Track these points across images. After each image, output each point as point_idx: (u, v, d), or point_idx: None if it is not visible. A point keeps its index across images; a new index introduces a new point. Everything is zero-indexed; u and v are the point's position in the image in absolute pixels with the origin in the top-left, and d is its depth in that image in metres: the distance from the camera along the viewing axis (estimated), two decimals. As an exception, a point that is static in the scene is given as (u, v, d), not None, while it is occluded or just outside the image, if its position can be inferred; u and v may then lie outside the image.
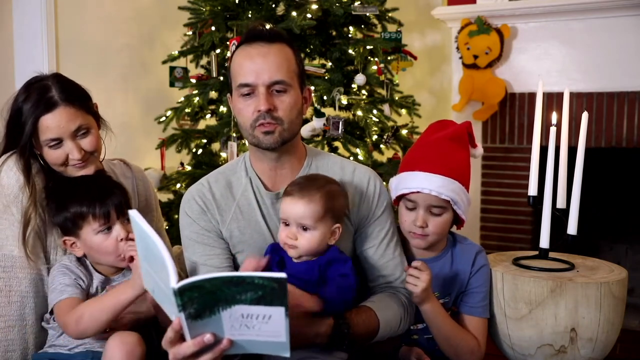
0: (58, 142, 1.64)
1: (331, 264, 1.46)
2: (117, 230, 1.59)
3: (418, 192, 1.62)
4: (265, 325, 1.14)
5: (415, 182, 1.63)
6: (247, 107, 1.53)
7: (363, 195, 1.63)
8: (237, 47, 1.59)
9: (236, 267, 1.61)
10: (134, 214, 1.22)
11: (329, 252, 1.48)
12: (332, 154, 1.75)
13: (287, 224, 1.48)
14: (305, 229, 1.45)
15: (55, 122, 1.62)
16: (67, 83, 1.68)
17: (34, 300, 1.65)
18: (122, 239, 1.59)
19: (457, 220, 1.69)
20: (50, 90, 1.63)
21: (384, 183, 1.80)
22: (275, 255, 1.50)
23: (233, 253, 1.61)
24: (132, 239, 1.54)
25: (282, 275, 1.08)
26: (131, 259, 1.54)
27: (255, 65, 1.52)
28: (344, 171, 1.65)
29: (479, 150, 1.82)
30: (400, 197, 1.68)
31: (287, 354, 1.19)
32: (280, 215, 1.50)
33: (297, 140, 1.63)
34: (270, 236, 1.59)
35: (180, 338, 1.21)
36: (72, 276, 1.59)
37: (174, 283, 1.11)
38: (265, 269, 1.47)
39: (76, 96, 1.67)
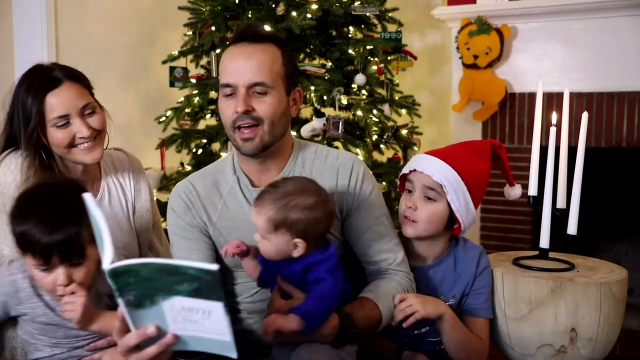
0: (65, 121, 1.64)
1: (310, 269, 1.42)
2: (58, 274, 1.41)
3: (415, 170, 1.65)
4: (207, 321, 1.12)
5: (415, 163, 1.67)
6: (228, 107, 1.53)
7: (347, 182, 1.62)
8: (221, 47, 1.59)
9: (224, 267, 1.59)
10: (87, 197, 1.20)
11: (308, 257, 1.43)
12: (319, 144, 1.73)
13: None
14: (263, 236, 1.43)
15: (62, 98, 1.62)
16: (68, 66, 1.71)
17: None
18: (59, 285, 1.41)
19: (453, 221, 1.67)
20: (53, 71, 1.66)
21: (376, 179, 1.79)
22: None
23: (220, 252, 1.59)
24: (73, 292, 1.41)
25: (214, 267, 1.05)
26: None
27: (237, 65, 1.51)
28: (327, 160, 1.64)
29: (516, 190, 1.81)
30: (404, 182, 1.71)
31: (234, 355, 1.15)
32: None
33: (283, 142, 1.59)
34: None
35: (127, 329, 1.18)
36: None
37: (107, 264, 1.09)
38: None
39: (79, 76, 1.70)
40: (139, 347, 1.17)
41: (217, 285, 1.07)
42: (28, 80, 1.66)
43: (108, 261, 1.10)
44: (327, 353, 1.37)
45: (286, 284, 1.46)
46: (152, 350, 1.17)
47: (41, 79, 1.64)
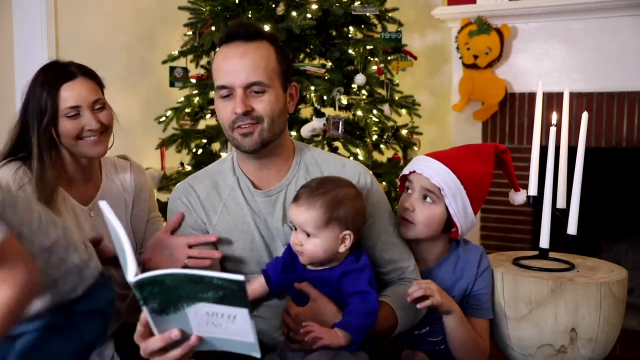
0: (76, 112, 1.70)
1: (346, 276, 1.42)
2: None
3: (414, 171, 1.65)
4: (231, 324, 1.13)
5: (415, 164, 1.67)
6: (225, 108, 1.51)
7: None
8: (218, 47, 1.56)
9: (222, 269, 1.58)
10: (102, 205, 1.21)
11: (343, 264, 1.44)
12: (322, 150, 1.72)
13: (296, 229, 1.44)
14: (309, 235, 1.41)
15: (75, 91, 1.70)
16: (83, 65, 1.79)
17: None
18: None
19: (450, 225, 1.66)
20: (69, 66, 1.74)
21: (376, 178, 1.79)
22: (288, 258, 1.49)
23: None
24: None
25: (240, 277, 1.06)
26: None
27: (232, 66, 1.48)
28: (332, 167, 1.62)
29: (521, 196, 1.79)
30: (405, 183, 1.71)
31: (258, 355, 1.17)
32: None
33: (282, 140, 1.58)
34: (259, 236, 1.56)
35: (149, 332, 1.18)
36: None
37: (132, 276, 1.10)
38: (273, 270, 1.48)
39: (93, 74, 1.78)
40: (163, 349, 1.18)
41: (243, 293, 1.08)
42: (44, 74, 1.72)
43: (132, 273, 1.11)
44: (342, 358, 1.36)
45: (304, 285, 1.45)
46: (176, 353, 1.17)
47: (56, 73, 1.71)
